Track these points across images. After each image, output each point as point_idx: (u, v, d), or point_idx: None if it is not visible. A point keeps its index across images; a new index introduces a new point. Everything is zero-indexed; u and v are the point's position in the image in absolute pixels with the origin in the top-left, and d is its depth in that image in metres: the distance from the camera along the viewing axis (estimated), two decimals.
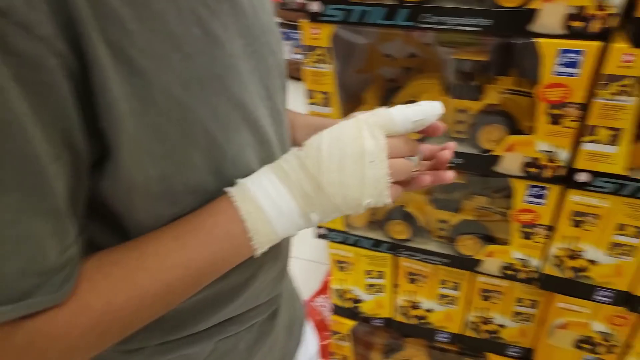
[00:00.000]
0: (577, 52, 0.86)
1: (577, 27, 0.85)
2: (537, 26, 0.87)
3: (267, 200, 0.49)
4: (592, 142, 0.93)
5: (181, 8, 0.43)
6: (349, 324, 1.40)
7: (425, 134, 0.59)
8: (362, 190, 0.51)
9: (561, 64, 0.88)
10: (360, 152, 0.50)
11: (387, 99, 1.12)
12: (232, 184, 0.50)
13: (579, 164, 0.96)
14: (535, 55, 0.88)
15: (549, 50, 0.87)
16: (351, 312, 1.39)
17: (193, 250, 0.47)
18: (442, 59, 1.08)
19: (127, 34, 0.39)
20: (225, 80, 0.47)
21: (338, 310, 1.41)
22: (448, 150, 0.61)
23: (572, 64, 0.87)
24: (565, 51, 0.86)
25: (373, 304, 1.35)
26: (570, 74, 0.88)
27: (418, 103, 0.54)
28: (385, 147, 0.51)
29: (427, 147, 0.64)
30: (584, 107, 0.91)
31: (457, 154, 1.04)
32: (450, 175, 0.60)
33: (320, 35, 1.02)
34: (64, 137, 0.38)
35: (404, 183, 0.56)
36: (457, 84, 1.03)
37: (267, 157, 0.54)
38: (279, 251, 0.64)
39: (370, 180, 0.50)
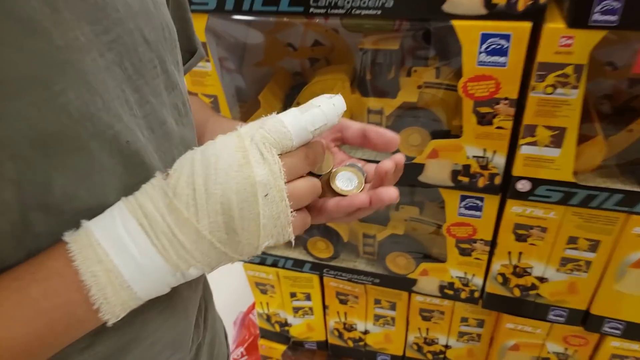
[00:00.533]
0: (503, 36, 0.67)
1: (500, 5, 0.65)
2: (452, 5, 0.67)
3: (123, 258, 0.37)
4: (530, 144, 0.76)
5: None
6: (279, 348, 1.23)
7: (374, 149, 0.49)
8: (257, 233, 0.39)
9: (486, 52, 0.69)
10: (250, 185, 0.38)
11: (288, 99, 0.93)
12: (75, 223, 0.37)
13: (517, 171, 0.79)
14: (456, 40, 0.69)
15: (469, 35, 0.68)
16: (280, 336, 1.23)
17: (9, 328, 0.35)
18: (350, 48, 0.88)
19: None
20: (52, 82, 0.34)
21: (266, 334, 1.24)
22: (391, 162, 0.45)
23: (498, 51, 0.68)
24: (489, 35, 0.67)
25: (303, 328, 1.18)
26: (498, 64, 0.69)
27: (315, 102, 0.41)
28: (282, 172, 0.39)
29: (374, 131, 0.49)
30: (518, 103, 0.73)
31: (376, 162, 0.86)
32: (392, 194, 0.44)
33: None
34: None
35: (314, 206, 0.46)
36: (367, 79, 0.84)
37: (140, 184, 0.40)
38: (178, 298, 0.49)
39: (267, 219, 0.39)
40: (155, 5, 0.43)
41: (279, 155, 0.39)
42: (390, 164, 0.44)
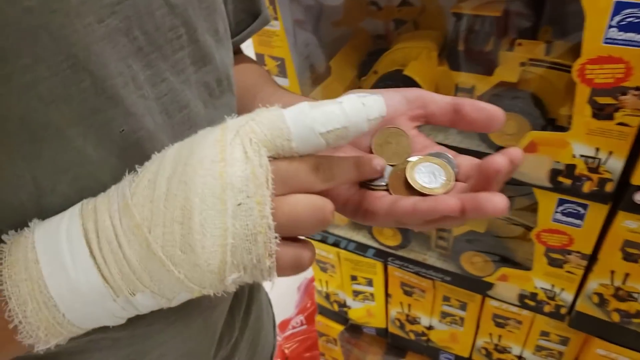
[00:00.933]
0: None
1: None
2: None
3: (53, 268, 0.29)
4: None
5: None
6: (336, 328, 1.17)
7: (470, 129, 0.36)
8: (221, 256, 0.29)
9: (618, 26, 0.53)
10: (220, 187, 0.29)
11: (364, 66, 0.81)
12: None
13: (638, 179, 0.63)
14: (578, 8, 0.54)
15: (598, 2, 0.52)
16: (338, 316, 1.16)
17: None
18: (443, 11, 0.74)
19: None
20: (15, 55, 0.27)
21: (324, 311, 1.18)
22: (497, 154, 0.30)
23: (636, 27, 0.52)
24: (625, 4, 0.51)
25: (363, 312, 1.10)
26: (633, 43, 0.53)
27: (342, 98, 0.31)
28: (269, 178, 0.29)
29: (470, 104, 0.35)
30: None
31: (460, 150, 0.73)
32: (499, 203, 0.28)
33: None
34: None
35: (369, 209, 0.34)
36: (459, 50, 0.70)
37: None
38: (194, 308, 0.42)
39: (238, 238, 0.29)
40: None
41: (271, 157, 0.30)
42: (504, 160, 0.29)
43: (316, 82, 0.82)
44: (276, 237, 0.29)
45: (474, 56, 0.70)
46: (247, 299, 0.55)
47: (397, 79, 0.73)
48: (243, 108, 0.46)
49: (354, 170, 0.33)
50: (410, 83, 0.72)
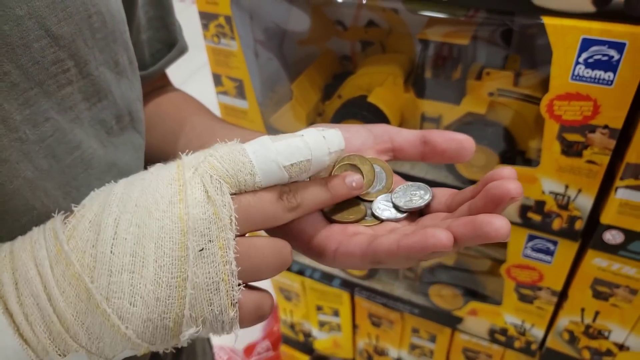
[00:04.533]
0: (614, 44, 0.48)
1: (617, 1, 0.46)
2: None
3: None
4: (631, 188, 0.57)
5: None
6: (302, 358, 1.12)
7: (440, 160, 0.34)
8: (179, 309, 0.26)
9: (585, 63, 0.50)
10: (180, 232, 0.26)
11: (328, 89, 0.77)
12: None
13: (607, 218, 0.60)
14: (546, 41, 0.51)
15: (565, 38, 0.49)
16: (304, 346, 1.11)
17: None
18: (411, 34, 0.71)
19: None
20: None
21: (289, 341, 1.13)
22: (508, 179, 0.27)
23: (604, 64, 0.49)
24: (593, 41, 0.48)
25: (329, 343, 1.06)
26: (601, 81, 0.50)
27: (302, 131, 0.31)
28: (233, 218, 0.27)
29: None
30: (622, 135, 0.54)
31: (426, 182, 0.70)
32: (503, 226, 0.25)
33: None
34: None
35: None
36: (426, 77, 0.66)
37: None
38: None
39: (198, 289, 0.26)
40: None
41: (234, 194, 0.28)
42: (517, 186, 0.26)
43: (278, 104, 0.78)
44: (239, 285, 0.27)
45: (441, 84, 0.66)
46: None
47: (361, 105, 0.70)
48: (167, 141, 0.42)
49: (324, 193, 0.31)
50: (374, 110, 0.69)
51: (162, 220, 0.26)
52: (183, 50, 0.48)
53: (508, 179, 0.26)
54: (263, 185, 0.28)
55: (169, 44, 0.47)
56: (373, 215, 0.33)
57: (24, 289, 0.25)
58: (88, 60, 0.31)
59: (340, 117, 0.72)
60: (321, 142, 0.30)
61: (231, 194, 0.27)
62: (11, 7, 0.26)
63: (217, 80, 0.75)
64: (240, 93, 0.75)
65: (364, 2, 0.58)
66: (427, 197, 0.33)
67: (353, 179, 0.32)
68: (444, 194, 0.33)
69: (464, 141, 0.33)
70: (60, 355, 0.25)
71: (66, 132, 0.30)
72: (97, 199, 0.28)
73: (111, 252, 0.25)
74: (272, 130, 0.78)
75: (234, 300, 0.27)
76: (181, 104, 0.47)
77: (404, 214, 0.33)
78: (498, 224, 0.25)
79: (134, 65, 0.37)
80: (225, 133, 0.41)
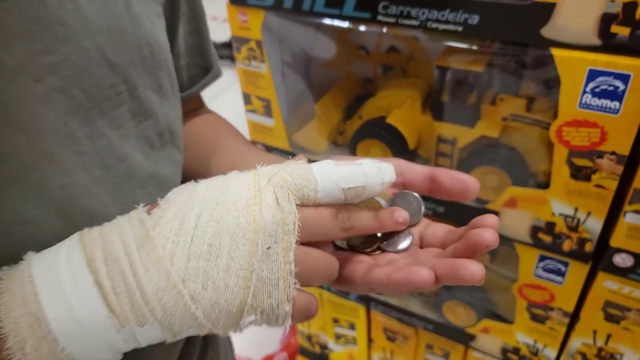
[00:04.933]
0: (619, 75, 0.50)
1: (621, 35, 0.49)
2: (554, 29, 0.52)
3: (53, 301, 0.28)
4: (637, 212, 0.58)
5: None
6: None
7: (445, 197, 0.38)
8: (243, 296, 0.30)
9: (592, 93, 0.53)
10: (252, 230, 0.30)
11: (349, 110, 0.81)
12: None
13: (617, 241, 0.62)
14: (555, 72, 0.54)
15: (573, 69, 0.52)
16: (320, 358, 1.14)
17: None
18: (430, 60, 0.74)
19: None
20: None
21: (305, 353, 1.16)
22: (487, 228, 0.32)
23: (610, 94, 0.52)
24: (599, 72, 0.51)
25: (345, 356, 1.08)
26: (607, 109, 0.53)
27: (358, 162, 0.34)
28: (296, 225, 0.31)
29: (446, 175, 0.38)
30: (630, 161, 0.56)
31: (438, 201, 0.72)
32: (477, 272, 0.30)
33: (250, 24, 0.72)
34: None
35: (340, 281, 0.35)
36: (442, 101, 0.70)
37: None
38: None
39: (262, 281, 0.30)
40: (134, 20, 0.35)
41: (298, 205, 0.32)
42: (493, 235, 0.31)
43: (302, 123, 0.82)
44: (295, 284, 0.30)
45: (457, 108, 0.69)
46: (200, 345, 0.54)
47: (380, 126, 0.73)
48: (201, 160, 0.46)
49: (373, 221, 0.34)
50: (392, 130, 0.72)
51: (238, 219, 0.30)
52: (217, 74, 0.53)
53: (486, 229, 0.30)
54: (322, 202, 0.32)
55: (205, 68, 0.51)
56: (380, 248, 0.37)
57: (113, 266, 0.29)
58: (137, 84, 0.35)
59: (360, 137, 0.75)
60: (376, 172, 0.33)
61: (296, 205, 0.31)
62: (80, 41, 0.30)
63: (247, 99, 0.80)
64: (268, 112, 0.79)
65: (384, 31, 0.62)
66: (421, 212, 0.36)
67: (400, 214, 0.35)
68: (440, 230, 0.37)
69: (469, 182, 0.36)
70: (138, 325, 0.29)
71: (116, 147, 0.34)
72: (180, 195, 0.32)
73: (191, 241, 0.29)
74: (295, 146, 0.82)
75: (289, 296, 0.30)
76: (214, 127, 0.51)
77: (406, 248, 0.36)
78: (473, 269, 0.29)
79: (175, 88, 0.41)
80: (254, 157, 0.45)
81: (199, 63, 0.50)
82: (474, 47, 0.59)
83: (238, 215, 0.30)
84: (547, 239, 0.67)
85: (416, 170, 0.39)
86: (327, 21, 0.66)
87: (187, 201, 0.31)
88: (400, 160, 0.40)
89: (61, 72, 0.30)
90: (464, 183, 0.36)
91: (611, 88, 0.51)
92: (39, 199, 0.31)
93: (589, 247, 0.64)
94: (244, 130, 0.63)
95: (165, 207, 0.31)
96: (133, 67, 0.35)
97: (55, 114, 0.31)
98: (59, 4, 0.30)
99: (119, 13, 0.34)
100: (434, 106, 0.72)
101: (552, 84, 0.60)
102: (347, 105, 0.82)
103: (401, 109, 0.73)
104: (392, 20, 0.61)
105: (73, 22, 0.30)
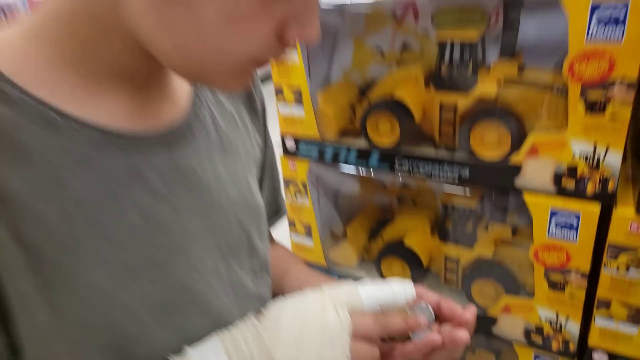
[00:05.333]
0: (572, 214, 0.70)
1: (569, 186, 0.70)
2: (524, 180, 0.73)
3: None
4: (605, 318, 0.75)
5: (117, 197, 0.41)
6: None
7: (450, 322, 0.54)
8: None
9: (556, 225, 0.72)
10: (322, 329, 0.46)
11: (373, 234, 1.01)
12: None
13: (593, 341, 0.78)
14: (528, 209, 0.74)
15: (540, 209, 0.72)
16: None
17: None
18: (433, 194, 0.96)
19: (45, 231, 0.37)
20: (166, 265, 0.44)
21: None
22: (470, 312, 0.53)
23: (568, 226, 0.71)
24: (558, 212, 0.71)
25: None
26: (568, 238, 0.72)
27: (388, 283, 0.52)
28: (349, 327, 0.47)
29: (446, 305, 0.54)
30: (591, 276, 0.74)
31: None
32: (464, 336, 0.50)
33: (297, 170, 0.94)
34: None
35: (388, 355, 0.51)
36: (446, 227, 0.90)
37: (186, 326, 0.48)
38: None
39: None
40: (251, 192, 0.55)
41: (350, 313, 0.47)
42: (473, 316, 0.52)
43: (335, 243, 1.02)
44: None
45: (458, 233, 0.89)
46: None
47: (399, 247, 0.92)
48: (276, 280, 0.65)
49: (403, 324, 0.50)
50: (409, 251, 0.91)
51: (315, 323, 0.46)
52: (284, 214, 0.73)
53: (460, 331, 0.50)
54: (366, 311, 0.48)
55: (276, 211, 0.71)
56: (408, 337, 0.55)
57: (239, 353, 0.45)
58: (252, 234, 0.55)
59: (383, 255, 0.94)
60: (402, 291, 0.51)
61: (349, 313, 0.48)
62: (227, 214, 0.50)
63: (292, 224, 1.00)
64: (308, 234, 0.99)
65: (401, 180, 0.84)
66: (433, 317, 0.54)
67: (421, 320, 0.51)
68: (448, 309, 0.54)
69: (463, 318, 0.52)
70: None
71: (240, 277, 0.53)
72: (276, 307, 0.49)
73: (286, 336, 0.45)
74: (330, 262, 1.00)
75: None
76: (284, 257, 0.70)
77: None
78: (462, 335, 0.50)
79: (267, 232, 0.61)
80: (316, 279, 0.64)
81: (274, 208, 0.70)
82: (467, 191, 0.80)
83: (314, 321, 0.46)
84: (538, 339, 0.82)
85: (429, 297, 0.55)
86: (357, 170, 0.88)
87: (281, 311, 0.49)
88: (419, 287, 0.56)
89: (215, 232, 0.49)
90: (460, 317, 0.53)
91: (568, 223, 0.71)
92: (203, 313, 0.48)
93: (572, 347, 0.80)
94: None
95: (267, 315, 0.49)
96: (251, 224, 0.54)
97: (212, 259, 0.49)
98: (217, 193, 0.49)
99: (245, 190, 0.54)
100: (440, 231, 0.92)
101: (528, 216, 0.80)
102: (370, 229, 1.02)
103: (415, 232, 0.93)
104: (405, 171, 0.82)
105: (223, 201, 0.50)
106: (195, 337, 0.47)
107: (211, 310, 0.48)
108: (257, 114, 0.60)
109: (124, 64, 0.41)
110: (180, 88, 0.49)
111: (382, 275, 0.96)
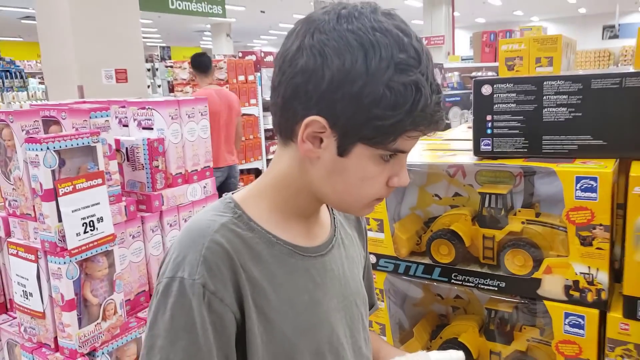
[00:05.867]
0: (579, 316, 1.00)
1: (575, 295, 1.01)
2: (543, 290, 1.04)
3: None
4: None
5: (298, 286, 0.73)
6: None
7: None
8: None
9: (569, 325, 1.02)
10: None
11: (433, 333, 1.31)
12: None
13: None
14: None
15: (556, 312, 1.03)
16: None
17: None
18: (480, 304, 1.27)
19: (266, 299, 0.69)
20: (320, 327, 0.74)
21: None
22: None
23: (577, 326, 1.01)
24: (570, 314, 1.01)
25: None
26: (578, 334, 1.01)
27: (448, 351, 0.82)
28: None
29: None
30: None
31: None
32: None
33: (376, 279, 1.28)
34: (225, 357, 0.66)
35: None
36: (492, 329, 1.20)
37: None
38: None
39: None
40: (362, 286, 0.88)
41: None
42: None
43: (402, 340, 1.32)
44: None
45: (502, 332, 1.18)
46: None
47: (455, 343, 1.22)
48: (375, 353, 0.96)
49: None
50: (463, 347, 1.20)
51: None
52: (377, 308, 1.06)
53: None
54: None
55: (372, 305, 1.04)
56: None
57: None
58: (363, 315, 0.88)
59: (441, 349, 1.24)
60: (461, 356, 0.83)
61: None
62: (350, 298, 0.83)
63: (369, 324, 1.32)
64: (382, 332, 1.30)
65: (456, 292, 1.16)
66: None
67: None
68: None
69: None
70: None
71: (358, 341, 0.84)
72: None
73: None
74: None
75: None
76: (376, 336, 1.02)
77: None
78: None
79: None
80: (395, 352, 0.95)
81: (370, 302, 1.03)
82: (507, 299, 1.12)
83: None
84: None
85: None
86: (422, 280, 1.22)
87: None
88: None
89: (344, 310, 0.81)
90: None
91: (578, 324, 1.00)
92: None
93: None
94: None
95: None
96: (362, 306, 0.86)
97: (342, 326, 0.80)
98: (346, 284, 0.81)
99: (359, 285, 0.86)
100: (486, 333, 1.22)
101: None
102: (431, 331, 1.32)
103: (467, 333, 1.23)
104: (459, 282, 1.15)
105: (348, 290, 0.83)
106: None
107: (341, 358, 0.81)
108: (363, 236, 0.97)
109: (304, 207, 0.78)
110: (325, 218, 0.86)
111: None
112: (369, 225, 1.28)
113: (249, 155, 5.24)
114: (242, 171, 4.82)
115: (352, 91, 0.61)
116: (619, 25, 15.94)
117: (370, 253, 1.28)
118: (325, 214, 0.84)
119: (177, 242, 0.68)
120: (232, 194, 0.76)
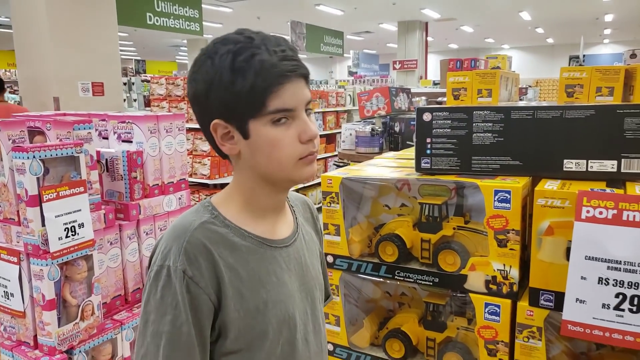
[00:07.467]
0: (496, 305, 1.22)
1: (494, 288, 1.22)
2: (469, 285, 1.26)
3: None
4: None
5: (267, 270, 0.89)
6: None
7: None
8: None
9: (489, 313, 1.23)
10: None
11: (380, 325, 1.51)
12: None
13: None
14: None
15: (479, 303, 1.24)
16: None
17: None
18: (421, 299, 1.47)
19: (241, 280, 0.85)
20: (286, 302, 0.91)
21: None
22: None
23: (496, 314, 1.22)
24: (488, 304, 1.23)
25: None
26: (495, 319, 1.23)
27: None
28: None
29: None
30: (511, 345, 1.22)
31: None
32: None
33: (333, 276, 1.48)
34: (203, 331, 0.82)
35: None
36: (428, 319, 1.40)
37: (291, 337, 0.91)
38: None
39: None
40: (319, 274, 1.07)
41: None
42: None
43: (354, 330, 1.51)
44: None
45: (436, 322, 1.39)
46: None
47: (398, 332, 1.41)
48: None
49: None
50: (405, 335, 1.40)
51: None
52: (332, 299, 1.24)
53: None
54: None
55: (327, 295, 1.23)
56: None
57: None
58: (320, 299, 1.08)
59: (386, 338, 1.43)
60: None
61: None
62: (311, 282, 1.04)
63: (326, 316, 1.51)
64: (337, 323, 1.49)
65: (398, 283, 1.37)
66: None
67: None
68: None
69: None
70: None
71: (318, 318, 1.04)
72: None
73: None
74: (351, 344, 1.48)
75: None
76: None
77: None
78: None
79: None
80: None
81: (326, 293, 1.22)
82: (437, 290, 1.33)
83: None
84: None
85: None
86: (371, 277, 1.42)
87: None
88: None
89: (305, 291, 0.99)
90: None
91: (495, 312, 1.22)
92: (296, 329, 0.98)
93: None
94: None
95: None
96: (319, 291, 1.05)
97: (304, 305, 0.98)
98: (307, 271, 1.00)
99: (318, 273, 1.05)
100: (424, 323, 1.42)
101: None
102: (380, 322, 1.52)
103: (408, 324, 1.43)
104: (401, 278, 1.36)
105: (309, 275, 1.02)
106: (288, 334, 0.95)
107: (299, 330, 0.99)
108: (319, 235, 1.16)
109: (265, 203, 0.95)
110: (289, 218, 1.05)
111: (386, 353, 1.44)
112: (327, 230, 1.48)
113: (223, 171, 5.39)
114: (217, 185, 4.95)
115: (216, 88, 0.81)
116: (584, 56, 16.76)
117: (328, 254, 1.48)
118: (289, 215, 1.03)
119: (165, 236, 0.85)
120: (210, 198, 0.94)
